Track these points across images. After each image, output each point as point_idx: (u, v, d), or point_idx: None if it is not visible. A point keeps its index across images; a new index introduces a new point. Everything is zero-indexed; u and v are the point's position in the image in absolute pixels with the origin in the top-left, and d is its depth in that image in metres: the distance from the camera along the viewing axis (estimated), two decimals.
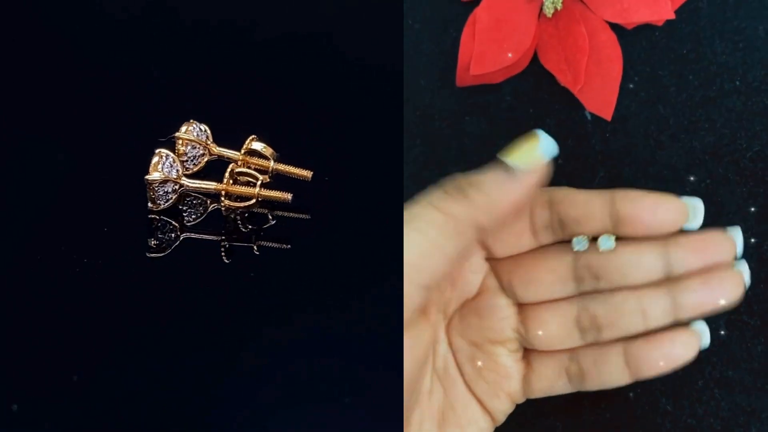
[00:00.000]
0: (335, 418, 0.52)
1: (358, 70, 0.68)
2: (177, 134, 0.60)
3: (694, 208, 0.48)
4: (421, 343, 0.46)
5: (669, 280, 0.48)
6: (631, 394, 0.52)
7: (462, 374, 0.50)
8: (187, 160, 0.60)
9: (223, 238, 0.59)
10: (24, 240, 0.58)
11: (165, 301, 0.56)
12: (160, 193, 0.59)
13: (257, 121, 0.64)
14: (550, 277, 0.49)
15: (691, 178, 0.53)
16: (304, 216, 0.59)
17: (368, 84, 0.67)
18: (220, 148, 0.60)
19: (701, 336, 0.48)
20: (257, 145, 0.60)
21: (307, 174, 0.59)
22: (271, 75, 0.67)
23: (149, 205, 0.59)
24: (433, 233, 0.44)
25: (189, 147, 0.60)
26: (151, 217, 0.59)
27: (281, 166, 0.60)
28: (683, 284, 0.48)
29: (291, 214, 0.59)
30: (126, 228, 0.59)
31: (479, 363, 0.50)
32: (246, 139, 0.61)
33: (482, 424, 0.50)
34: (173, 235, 0.59)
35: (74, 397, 0.52)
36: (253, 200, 0.59)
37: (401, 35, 0.58)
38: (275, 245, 0.58)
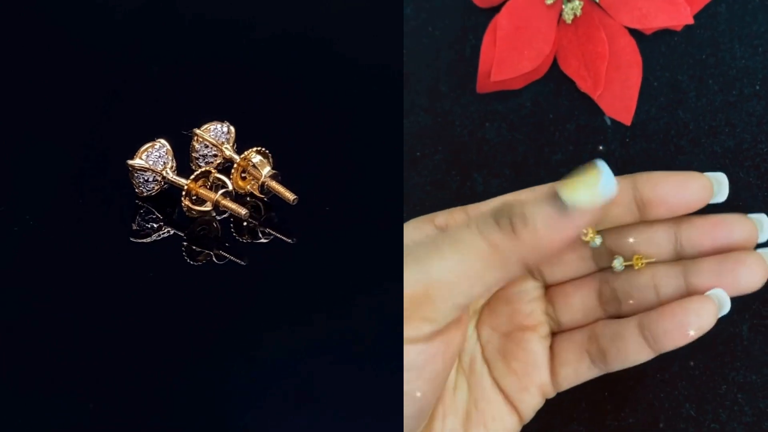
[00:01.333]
0: (335, 421, 0.52)
1: (358, 73, 0.68)
2: (195, 130, 0.60)
3: (718, 183, 0.48)
4: (452, 347, 0.46)
5: (684, 260, 0.48)
6: (654, 401, 0.52)
7: (489, 369, 0.50)
8: (199, 158, 0.60)
9: (184, 237, 0.59)
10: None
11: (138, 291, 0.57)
12: (140, 180, 0.59)
13: (259, 123, 0.64)
14: (573, 256, 0.50)
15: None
16: (289, 240, 0.59)
17: (370, 87, 0.67)
18: (233, 153, 0.60)
19: (719, 302, 0.47)
20: (256, 159, 0.59)
21: (291, 197, 0.59)
22: (271, 76, 0.67)
23: (136, 190, 0.59)
24: (475, 262, 0.43)
25: (202, 145, 0.60)
26: (138, 203, 0.60)
27: (273, 183, 0.59)
28: (697, 265, 0.48)
29: (278, 235, 0.59)
30: (117, 211, 0.60)
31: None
32: (261, 142, 0.60)
33: (508, 423, 0.50)
34: (155, 225, 0.59)
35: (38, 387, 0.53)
36: (210, 206, 0.59)
37: (401, 38, 0.58)
38: (232, 258, 0.58)
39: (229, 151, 0.60)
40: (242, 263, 0.58)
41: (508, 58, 0.56)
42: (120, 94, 0.66)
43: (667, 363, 0.52)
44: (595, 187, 0.43)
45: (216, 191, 0.59)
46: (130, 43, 0.69)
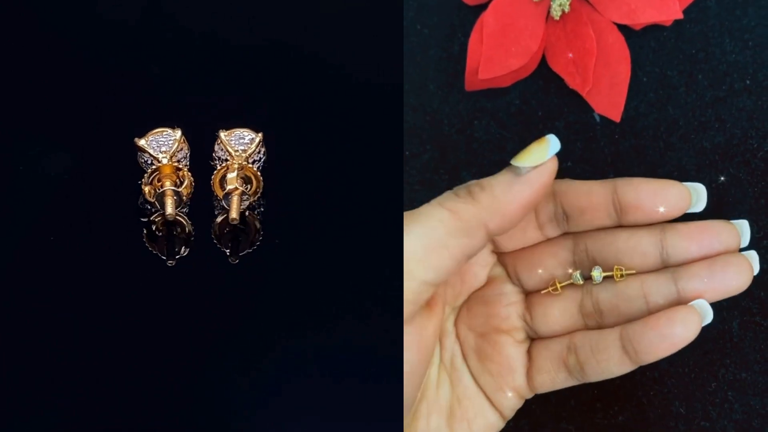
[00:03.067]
0: (333, 424, 0.52)
1: (359, 75, 0.68)
2: (220, 131, 0.59)
3: (696, 193, 0.48)
4: (425, 337, 0.46)
5: (672, 267, 0.48)
6: (644, 398, 0.52)
7: (468, 367, 0.50)
8: (216, 160, 0.60)
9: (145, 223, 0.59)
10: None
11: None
12: (142, 161, 0.59)
13: (260, 123, 0.63)
14: (552, 262, 0.50)
15: (702, 179, 0.52)
16: (231, 260, 0.58)
17: (369, 89, 0.67)
18: (243, 162, 0.59)
19: (702, 312, 0.47)
20: (231, 174, 0.59)
21: (231, 216, 0.58)
22: (270, 77, 0.67)
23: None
24: (440, 232, 0.44)
25: (219, 147, 0.60)
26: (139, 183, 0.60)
27: (233, 200, 0.58)
28: (686, 270, 0.48)
29: (222, 248, 0.59)
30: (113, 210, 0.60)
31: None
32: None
33: (490, 418, 0.50)
34: (153, 209, 0.60)
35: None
36: (156, 193, 0.59)
37: (401, 40, 0.58)
38: (167, 259, 0.58)
39: (240, 159, 0.59)
40: (169, 264, 0.57)
41: (495, 55, 0.55)
42: (120, 93, 0.66)
43: (656, 361, 0.51)
44: (543, 150, 0.46)
45: (171, 186, 0.59)
46: (131, 43, 0.69)
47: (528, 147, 0.46)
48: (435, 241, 0.44)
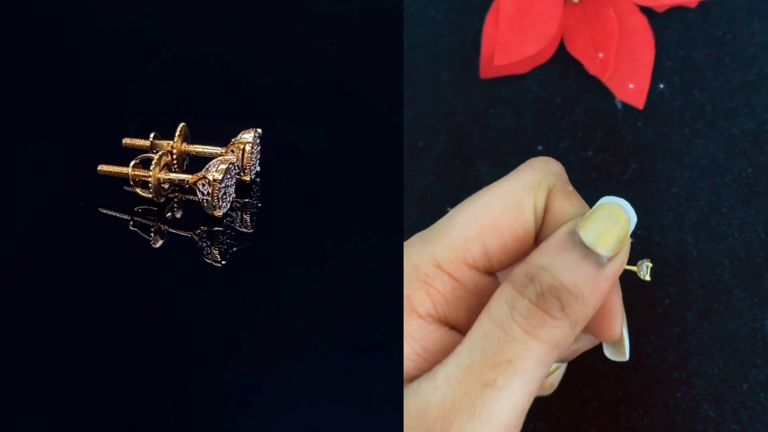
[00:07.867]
0: (333, 419, 0.52)
1: (357, 66, 0.68)
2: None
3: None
4: None
5: None
6: (670, 400, 0.51)
7: None
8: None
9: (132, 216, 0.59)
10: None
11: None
12: None
13: (257, 116, 0.64)
14: None
15: (731, 168, 0.51)
16: (155, 246, 0.58)
17: (369, 87, 0.66)
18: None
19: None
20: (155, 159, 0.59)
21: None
22: (272, 71, 0.68)
23: None
24: (540, 373, 0.40)
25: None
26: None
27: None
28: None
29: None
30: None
31: None
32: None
33: None
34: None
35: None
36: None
37: (401, 37, 0.57)
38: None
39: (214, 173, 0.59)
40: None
41: (511, 41, 0.55)
42: (118, 90, 0.66)
43: (683, 360, 0.50)
44: (623, 228, 0.40)
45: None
46: (131, 40, 0.69)
47: (601, 223, 0.40)
48: (536, 383, 0.40)
